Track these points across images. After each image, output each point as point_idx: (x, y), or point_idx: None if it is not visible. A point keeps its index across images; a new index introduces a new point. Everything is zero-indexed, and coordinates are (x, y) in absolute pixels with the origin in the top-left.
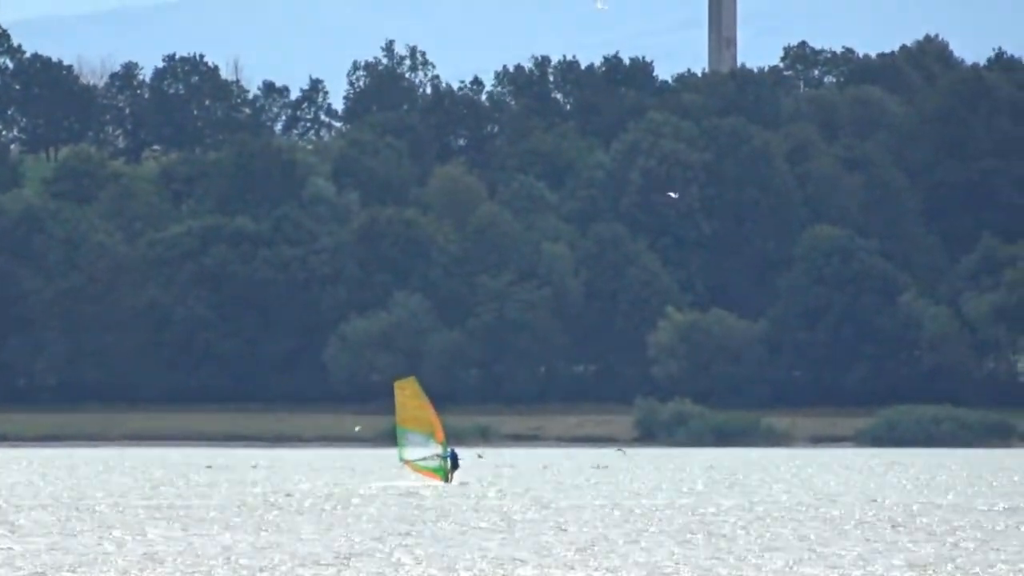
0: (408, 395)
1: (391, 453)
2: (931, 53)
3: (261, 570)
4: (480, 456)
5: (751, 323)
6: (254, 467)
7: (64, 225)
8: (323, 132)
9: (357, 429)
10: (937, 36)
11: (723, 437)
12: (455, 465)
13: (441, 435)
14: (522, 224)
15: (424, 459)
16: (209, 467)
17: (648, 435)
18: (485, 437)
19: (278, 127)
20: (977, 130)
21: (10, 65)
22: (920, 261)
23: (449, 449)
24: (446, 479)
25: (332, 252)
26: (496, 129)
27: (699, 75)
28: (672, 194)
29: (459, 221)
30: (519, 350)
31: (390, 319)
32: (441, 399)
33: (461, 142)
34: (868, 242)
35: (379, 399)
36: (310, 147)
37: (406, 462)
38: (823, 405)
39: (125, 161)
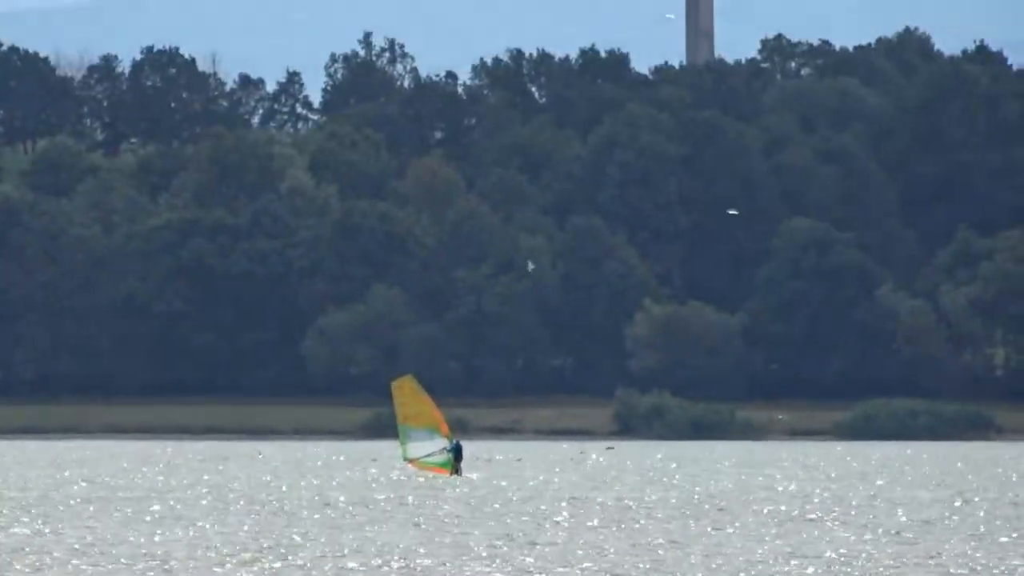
0: (407, 392)
1: (375, 447)
2: (911, 45)
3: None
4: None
5: (729, 316)
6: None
7: (42, 218)
8: (300, 125)
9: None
10: (917, 29)
11: (700, 430)
12: (459, 456)
13: (446, 428)
14: (500, 216)
15: (430, 455)
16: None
17: (626, 428)
18: (463, 430)
19: (255, 120)
20: (953, 122)
21: None
22: (897, 254)
23: (454, 441)
24: (454, 472)
25: (310, 245)
26: (474, 122)
27: (676, 68)
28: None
29: (437, 214)
30: (497, 343)
31: (368, 312)
32: None
33: (439, 135)
34: (845, 235)
35: (357, 392)
36: (288, 140)
37: (411, 460)
38: (800, 398)
39: (103, 154)
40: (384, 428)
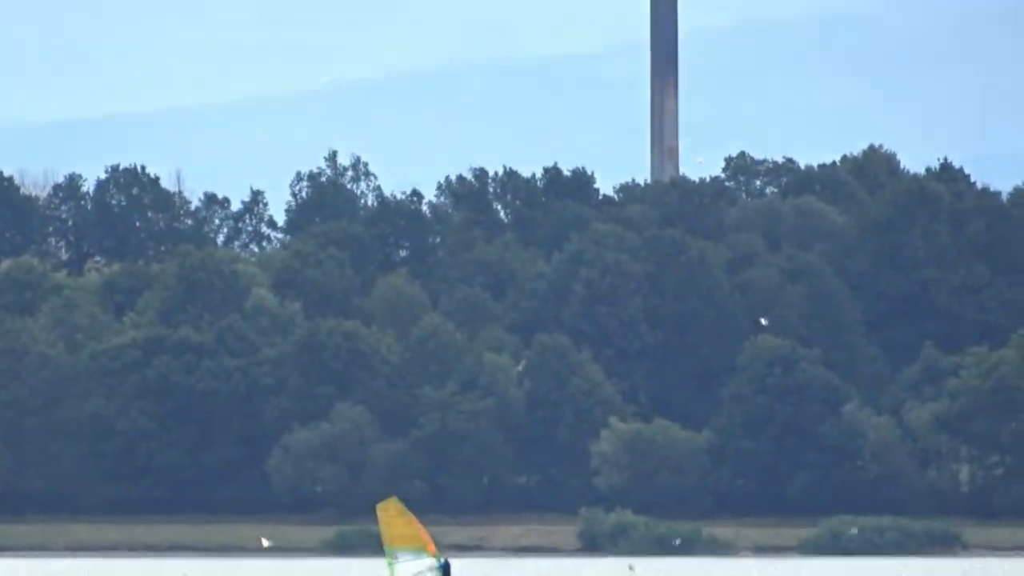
0: (393, 514)
1: (338, 564)
2: (877, 163)
3: None
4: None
5: (694, 433)
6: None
7: (6, 337)
8: (264, 243)
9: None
10: (882, 146)
11: (666, 547)
12: (447, 574)
13: (433, 547)
14: (465, 334)
15: (419, 574)
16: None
17: (592, 546)
18: None
19: (220, 238)
20: (917, 240)
21: None
22: (862, 371)
23: (443, 559)
24: None
25: (274, 363)
26: (438, 240)
27: (641, 185)
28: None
29: (402, 332)
30: (462, 461)
31: (333, 430)
32: None
33: (403, 253)
34: (810, 352)
35: (322, 509)
36: (252, 258)
37: None
38: (767, 515)
39: (67, 273)
40: (349, 546)
